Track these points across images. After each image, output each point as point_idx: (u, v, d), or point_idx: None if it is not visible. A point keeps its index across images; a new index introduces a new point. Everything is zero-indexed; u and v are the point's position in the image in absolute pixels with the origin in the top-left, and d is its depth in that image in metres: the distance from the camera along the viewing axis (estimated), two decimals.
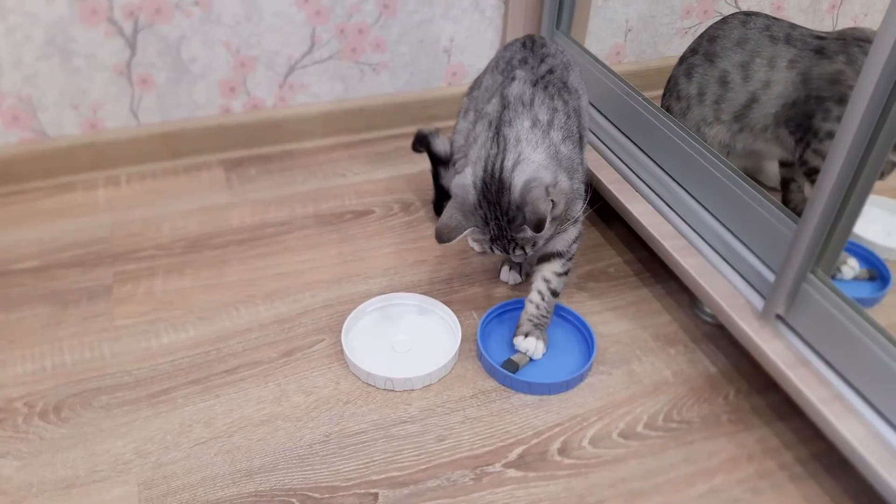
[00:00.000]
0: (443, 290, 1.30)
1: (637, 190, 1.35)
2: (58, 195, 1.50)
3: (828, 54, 1.24)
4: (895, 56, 0.83)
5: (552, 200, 1.02)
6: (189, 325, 1.22)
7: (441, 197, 1.43)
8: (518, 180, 1.03)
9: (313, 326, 1.22)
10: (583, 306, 1.28)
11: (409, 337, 1.19)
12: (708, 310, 1.27)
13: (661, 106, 1.42)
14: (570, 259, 1.19)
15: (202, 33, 1.49)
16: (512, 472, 1.02)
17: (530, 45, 1.22)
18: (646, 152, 1.37)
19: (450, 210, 1.08)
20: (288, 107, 1.64)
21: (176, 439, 1.04)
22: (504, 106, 1.11)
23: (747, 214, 1.15)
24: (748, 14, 1.33)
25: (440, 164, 1.40)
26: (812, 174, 1.29)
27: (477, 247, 1.31)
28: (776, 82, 1.28)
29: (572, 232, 1.16)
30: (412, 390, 1.12)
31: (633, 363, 1.19)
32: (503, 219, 1.05)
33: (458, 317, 1.22)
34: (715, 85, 1.33)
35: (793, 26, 1.29)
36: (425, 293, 1.28)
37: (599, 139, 1.47)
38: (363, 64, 1.64)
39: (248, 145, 1.63)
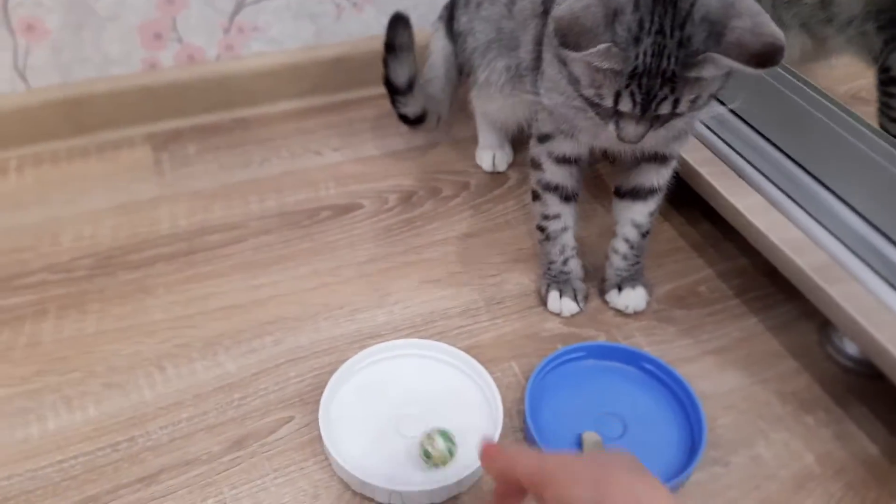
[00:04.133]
0: (466, 326, 0.90)
1: (743, 176, 0.94)
2: None
3: None
4: None
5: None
6: (89, 398, 0.81)
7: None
8: None
9: (276, 396, 0.82)
10: (670, 349, 0.88)
11: (421, 412, 0.79)
12: (850, 350, 0.88)
13: None
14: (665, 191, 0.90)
15: None
16: None
17: None
18: (749, 122, 0.96)
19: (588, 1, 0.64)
20: (237, 58, 1.21)
21: None
22: None
23: None
24: None
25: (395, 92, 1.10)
26: (889, 86, 1.00)
27: (592, 77, 0.68)
28: None
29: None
30: None
31: (758, 444, 0.80)
32: (673, 35, 0.63)
33: (491, 372, 0.82)
34: None
35: None
36: (440, 334, 0.88)
37: None
38: None
39: (184, 113, 1.20)
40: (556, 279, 0.93)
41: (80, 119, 1.15)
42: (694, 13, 0.62)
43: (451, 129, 1.20)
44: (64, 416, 0.80)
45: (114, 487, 0.74)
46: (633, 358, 0.85)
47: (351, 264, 0.98)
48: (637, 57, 0.63)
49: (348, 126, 1.22)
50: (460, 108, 1.15)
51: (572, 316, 0.92)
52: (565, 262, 0.92)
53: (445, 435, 0.73)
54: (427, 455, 0.73)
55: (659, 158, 0.87)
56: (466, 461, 0.74)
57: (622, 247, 0.91)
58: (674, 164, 0.88)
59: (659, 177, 0.88)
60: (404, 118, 1.13)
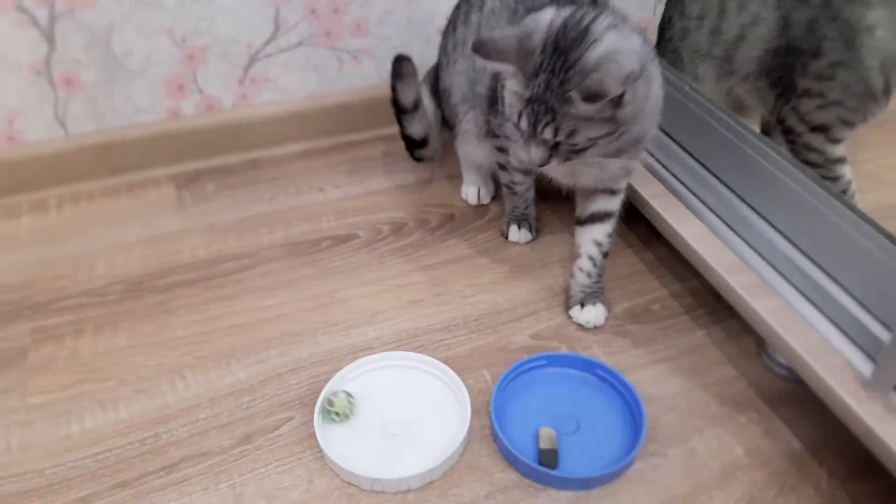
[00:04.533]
0: (445, 340, 1.03)
1: (688, 206, 1.07)
2: None
3: None
4: None
5: (624, 92, 0.81)
6: (121, 402, 0.95)
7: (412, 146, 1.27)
8: (606, 44, 0.83)
9: (279, 399, 0.95)
10: (623, 359, 1.01)
11: (402, 413, 0.92)
12: (782, 360, 0.99)
13: (664, 18, 1.21)
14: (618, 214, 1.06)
15: (136, 19, 1.20)
16: None
17: None
18: (697, 158, 1.09)
19: (508, 32, 0.87)
20: (250, 106, 1.36)
21: None
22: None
23: (841, 243, 0.87)
24: None
25: (402, 112, 1.22)
26: (788, 134, 1.13)
27: (509, 99, 0.90)
28: (763, 21, 1.08)
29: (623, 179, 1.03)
30: (408, 491, 0.85)
31: (694, 439, 0.92)
32: (558, 75, 0.83)
33: (465, 379, 0.95)
34: (715, 11, 1.12)
35: None
36: (422, 347, 1.01)
37: None
38: (341, 51, 1.36)
39: (204, 155, 1.35)
40: (516, 217, 1.19)
41: (112, 161, 1.30)
42: (577, 64, 0.81)
43: (442, 168, 1.34)
44: (99, 417, 0.93)
45: (141, 475, 0.87)
46: (588, 366, 0.97)
47: (347, 287, 1.12)
48: (533, 87, 0.83)
49: (348, 165, 1.36)
50: (449, 149, 1.29)
51: (527, 243, 1.19)
52: (526, 207, 1.18)
53: (348, 395, 0.91)
54: (330, 405, 0.90)
55: (609, 191, 1.02)
56: (439, 451, 0.86)
57: (586, 264, 1.05)
58: (622, 194, 1.04)
59: (611, 204, 1.04)
60: (409, 140, 1.25)
